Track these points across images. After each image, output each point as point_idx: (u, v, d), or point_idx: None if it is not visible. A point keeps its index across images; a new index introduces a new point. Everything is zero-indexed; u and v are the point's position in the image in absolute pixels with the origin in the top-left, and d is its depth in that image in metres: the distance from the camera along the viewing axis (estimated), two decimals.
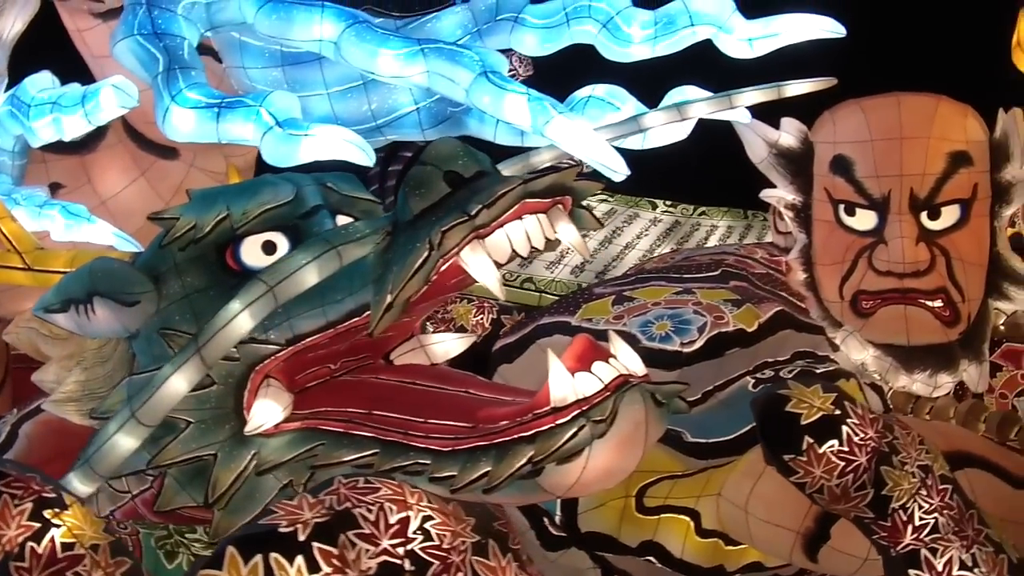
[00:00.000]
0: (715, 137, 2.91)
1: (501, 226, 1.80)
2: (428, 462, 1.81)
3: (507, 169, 2.43)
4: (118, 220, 2.91)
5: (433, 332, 2.22)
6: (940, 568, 1.99)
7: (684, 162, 3.39)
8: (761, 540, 2.37)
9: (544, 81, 2.88)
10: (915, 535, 2.00)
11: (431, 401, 2.03)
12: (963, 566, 1.99)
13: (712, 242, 3.50)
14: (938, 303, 2.70)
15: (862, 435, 1.99)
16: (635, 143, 2.54)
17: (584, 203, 1.96)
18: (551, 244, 1.94)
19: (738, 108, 2.46)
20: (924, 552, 1.99)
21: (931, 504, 2.01)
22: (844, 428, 1.98)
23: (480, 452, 1.82)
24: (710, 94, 2.47)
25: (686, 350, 2.42)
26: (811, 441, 1.96)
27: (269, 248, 1.98)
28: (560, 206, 1.89)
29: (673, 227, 3.54)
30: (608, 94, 2.58)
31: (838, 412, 1.98)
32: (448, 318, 3.23)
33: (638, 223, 3.49)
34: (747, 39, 2.50)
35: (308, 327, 1.87)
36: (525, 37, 2.54)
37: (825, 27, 2.52)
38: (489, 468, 1.77)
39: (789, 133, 2.79)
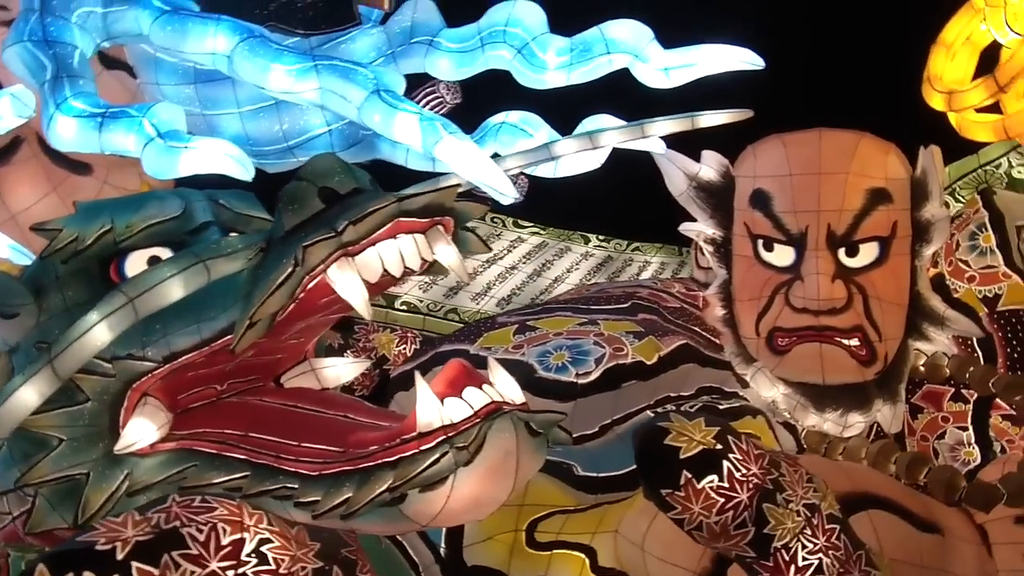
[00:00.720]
0: (651, 171, 2.89)
1: (373, 244, 1.76)
2: (296, 486, 1.75)
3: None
4: (28, 234, 2.85)
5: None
6: None
7: (619, 196, 3.35)
8: None
9: (466, 108, 2.84)
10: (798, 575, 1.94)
11: (308, 425, 1.97)
12: None
13: (645, 277, 3.46)
14: (854, 341, 2.64)
15: (744, 471, 1.93)
16: (565, 171, 2.50)
17: (471, 225, 1.92)
18: (434, 267, 1.90)
19: (651, 138, 2.41)
20: None
21: (816, 544, 1.94)
22: (725, 463, 1.92)
23: (344, 477, 1.76)
24: (623, 123, 2.43)
25: (581, 381, 2.36)
26: (689, 476, 1.90)
27: (155, 263, 1.95)
28: (440, 227, 1.85)
29: (605, 262, 3.49)
30: (522, 121, 2.54)
31: (719, 447, 1.92)
32: (370, 347, 3.16)
33: (569, 257, 3.44)
34: (663, 69, 2.46)
35: (184, 344, 1.82)
36: (439, 61, 2.50)
37: (744, 59, 2.47)
38: (351, 494, 1.72)
39: (709, 166, 2.74)
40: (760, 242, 2.68)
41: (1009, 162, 3.08)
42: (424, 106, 3.13)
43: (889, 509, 2.34)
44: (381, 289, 1.92)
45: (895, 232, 2.68)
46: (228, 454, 1.81)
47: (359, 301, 1.72)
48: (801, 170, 2.67)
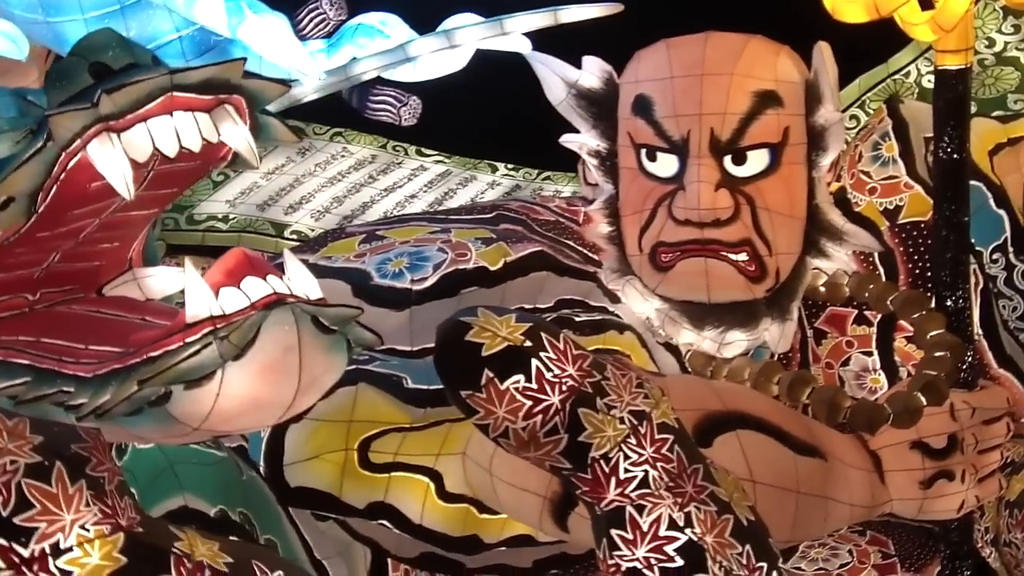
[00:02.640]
0: None
1: (142, 120, 1.60)
2: (71, 390, 1.60)
3: None
4: None
5: None
6: (645, 528, 1.73)
7: (533, 127, 3.20)
8: (509, 506, 2.12)
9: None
10: (619, 489, 1.74)
11: (101, 328, 1.81)
12: (673, 525, 1.73)
13: None
14: (742, 256, 2.44)
15: (557, 371, 1.74)
16: (424, 73, 2.34)
17: (272, 110, 1.75)
18: (237, 159, 1.74)
19: (513, 36, 2.25)
20: (629, 509, 1.74)
21: (641, 455, 1.76)
22: (534, 362, 1.73)
23: (111, 376, 1.61)
24: (481, 19, 2.26)
25: (416, 287, 2.18)
26: (491, 375, 1.70)
27: None
28: (230, 106, 1.69)
29: (513, 191, 3.33)
30: (380, 22, 2.38)
31: (528, 343, 1.73)
32: None
33: (474, 186, 3.25)
34: None
35: None
36: None
37: None
38: (108, 396, 1.58)
39: (591, 73, 2.55)
40: (643, 151, 2.49)
41: (918, 70, 2.89)
42: (308, 24, 2.98)
43: (763, 430, 2.16)
44: (186, 181, 1.77)
45: (787, 139, 2.47)
46: (12, 360, 1.66)
47: (119, 180, 1.55)
48: (683, 72, 2.48)
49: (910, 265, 2.57)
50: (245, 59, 1.84)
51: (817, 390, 2.31)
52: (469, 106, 3.17)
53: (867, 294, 2.51)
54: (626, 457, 1.71)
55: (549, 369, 1.70)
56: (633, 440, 1.71)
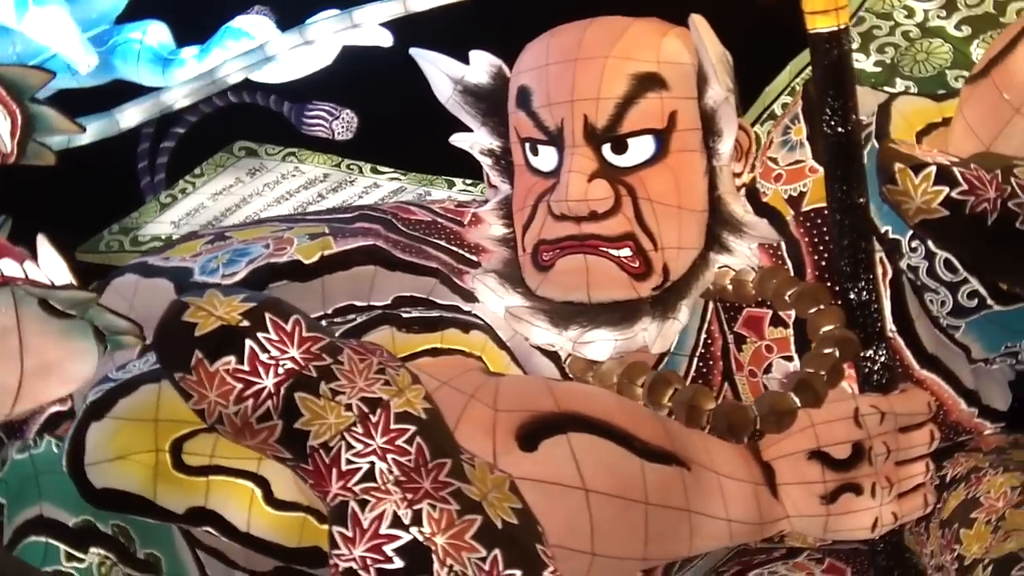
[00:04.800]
0: None
1: None
2: None
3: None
4: None
5: None
6: (366, 525, 1.57)
7: None
8: None
9: None
10: (342, 482, 1.60)
11: None
12: (397, 523, 1.57)
13: None
14: (624, 251, 2.24)
15: (275, 352, 1.61)
16: (288, 73, 2.29)
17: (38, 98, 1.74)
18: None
19: (367, 27, 2.16)
20: (352, 504, 1.59)
21: (368, 445, 1.60)
22: (248, 342, 1.61)
23: None
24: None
25: (225, 282, 2.09)
26: (201, 356, 1.60)
27: None
28: None
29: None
30: (251, 24, 2.34)
31: (245, 323, 1.61)
32: None
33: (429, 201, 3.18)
34: None
35: None
36: None
37: None
38: None
39: (479, 67, 2.43)
40: (527, 145, 2.34)
41: None
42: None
43: (603, 434, 1.96)
44: None
45: (674, 124, 2.26)
46: None
47: None
48: (559, 59, 2.31)
49: (815, 256, 2.31)
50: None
51: (679, 392, 2.09)
52: (426, 120, 3.12)
53: (767, 290, 2.28)
54: (349, 447, 1.57)
55: (265, 350, 1.58)
56: (360, 429, 1.57)
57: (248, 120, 3.13)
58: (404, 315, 2.06)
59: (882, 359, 2.18)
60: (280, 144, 3.21)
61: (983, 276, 2.09)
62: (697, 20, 2.24)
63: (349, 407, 1.58)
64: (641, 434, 1.99)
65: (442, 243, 2.36)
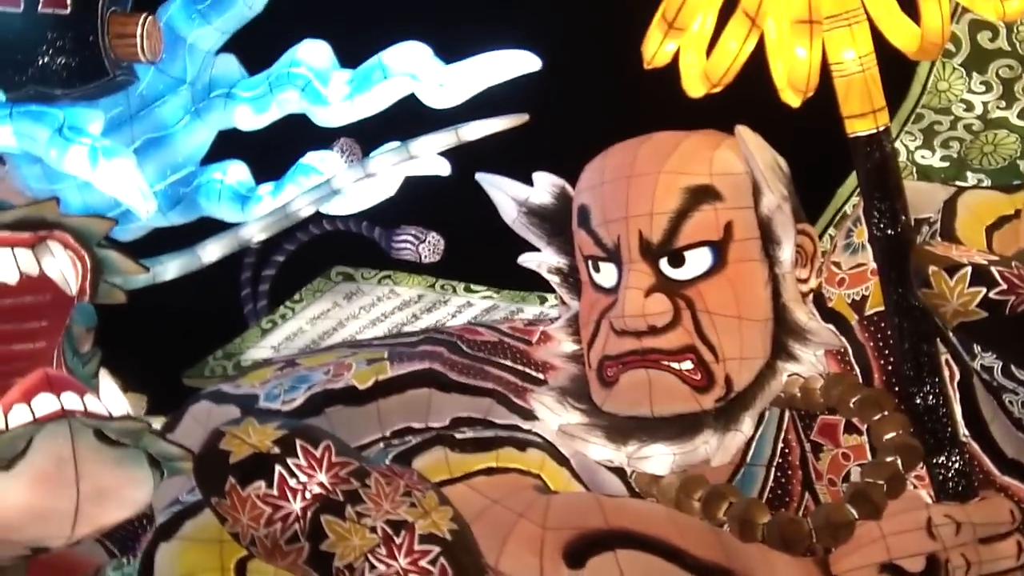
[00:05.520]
0: None
1: None
2: None
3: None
4: None
5: None
6: None
7: None
8: None
9: None
10: None
11: None
12: None
13: None
14: (686, 364, 2.22)
15: (304, 478, 1.67)
16: (355, 205, 2.39)
17: (107, 242, 1.88)
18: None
19: (425, 157, 2.25)
20: None
21: (391, 566, 1.63)
22: (278, 468, 1.68)
23: None
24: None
25: (285, 408, 2.17)
26: (234, 482, 1.68)
27: None
28: (55, 242, 1.83)
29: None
30: (320, 160, 2.47)
31: (276, 451, 1.68)
32: None
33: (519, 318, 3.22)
34: (440, 85, 2.30)
35: None
36: (238, 111, 2.51)
37: (519, 63, 2.26)
38: None
39: (542, 189, 2.48)
40: (590, 263, 2.37)
41: (906, 147, 2.55)
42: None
43: (653, 551, 1.94)
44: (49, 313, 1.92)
45: (731, 234, 2.26)
46: None
47: None
48: (613, 176, 2.35)
49: (882, 361, 2.24)
50: (58, 199, 1.99)
51: (733, 505, 2.04)
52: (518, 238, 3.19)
53: (833, 398, 2.22)
54: (372, 568, 1.60)
55: (293, 475, 1.65)
56: (383, 550, 1.61)
57: (345, 246, 3.27)
58: (458, 436, 2.10)
59: (956, 465, 2.10)
60: (376, 268, 3.34)
61: None
62: (742, 131, 2.25)
63: (374, 529, 1.62)
64: (693, 550, 1.96)
65: (507, 362, 2.39)
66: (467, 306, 3.25)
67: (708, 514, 2.09)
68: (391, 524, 1.63)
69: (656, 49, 1.91)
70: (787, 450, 2.41)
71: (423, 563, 1.62)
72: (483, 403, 2.25)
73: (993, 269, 1.83)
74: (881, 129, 2.02)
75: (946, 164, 2.64)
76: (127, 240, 2.78)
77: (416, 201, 3.12)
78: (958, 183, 2.59)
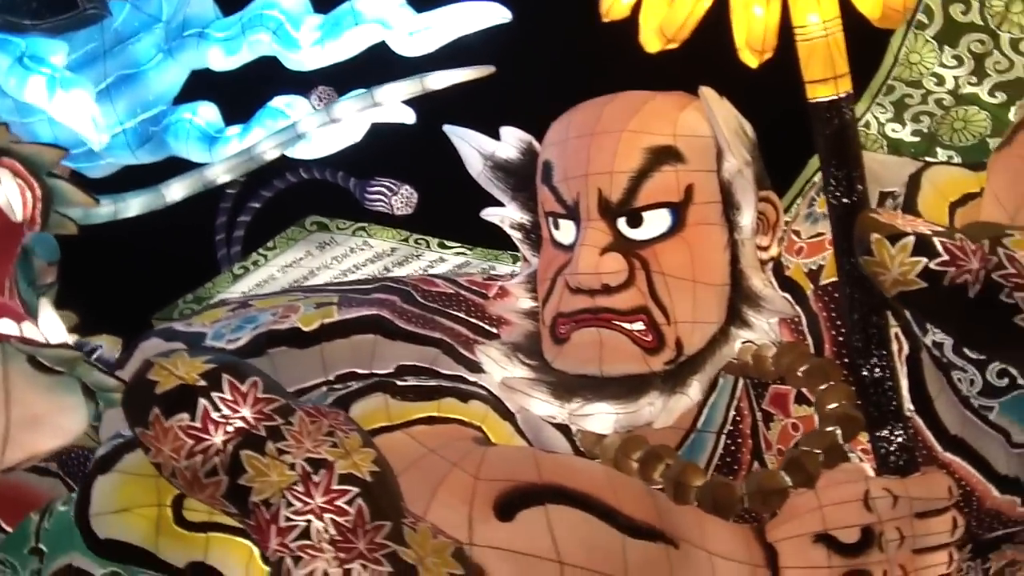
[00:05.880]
0: None
1: None
2: None
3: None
4: None
5: None
6: None
7: None
8: None
9: None
10: (280, 538, 1.63)
11: None
12: None
13: None
14: (637, 325, 2.21)
15: (227, 411, 1.67)
16: (320, 149, 2.38)
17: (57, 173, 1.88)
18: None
19: (385, 105, 2.24)
20: (287, 560, 1.61)
21: (307, 504, 1.63)
22: (202, 401, 1.68)
23: None
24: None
25: (229, 347, 2.16)
26: (158, 412, 1.68)
27: None
28: (3, 168, 1.84)
29: None
30: (286, 104, 2.46)
31: (203, 383, 1.68)
32: None
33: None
34: (409, 33, 2.29)
35: None
36: (210, 51, 2.50)
37: (489, 15, 2.24)
38: None
39: (509, 143, 2.46)
40: (550, 219, 2.36)
41: (877, 120, 2.51)
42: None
43: (585, 507, 1.93)
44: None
45: (691, 197, 2.23)
46: None
47: None
48: (577, 134, 2.32)
49: (834, 332, 2.23)
50: (7, 125, 1.99)
51: (669, 467, 2.04)
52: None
53: (782, 366, 2.21)
54: (289, 505, 1.60)
55: (217, 409, 1.65)
56: (301, 488, 1.61)
57: (324, 196, 3.26)
58: (399, 383, 2.10)
59: (899, 439, 2.08)
60: (352, 219, 3.33)
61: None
62: (706, 92, 2.22)
63: (293, 466, 1.62)
64: (626, 509, 1.95)
65: (460, 314, 2.38)
66: (439, 261, 3.24)
67: (644, 475, 2.09)
68: (311, 462, 1.63)
69: (611, 1, 1.89)
70: (739, 418, 2.41)
71: (340, 503, 1.62)
72: (429, 352, 2.24)
73: (936, 240, 1.80)
74: (842, 96, 1.98)
75: (917, 139, 2.60)
76: (97, 176, 2.81)
77: (395, 153, 3.11)
78: (928, 159, 2.57)
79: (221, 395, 1.66)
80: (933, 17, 2.54)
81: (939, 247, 1.80)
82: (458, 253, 3.25)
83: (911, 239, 1.81)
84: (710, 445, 2.38)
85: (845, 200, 2.04)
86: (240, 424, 1.64)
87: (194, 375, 1.67)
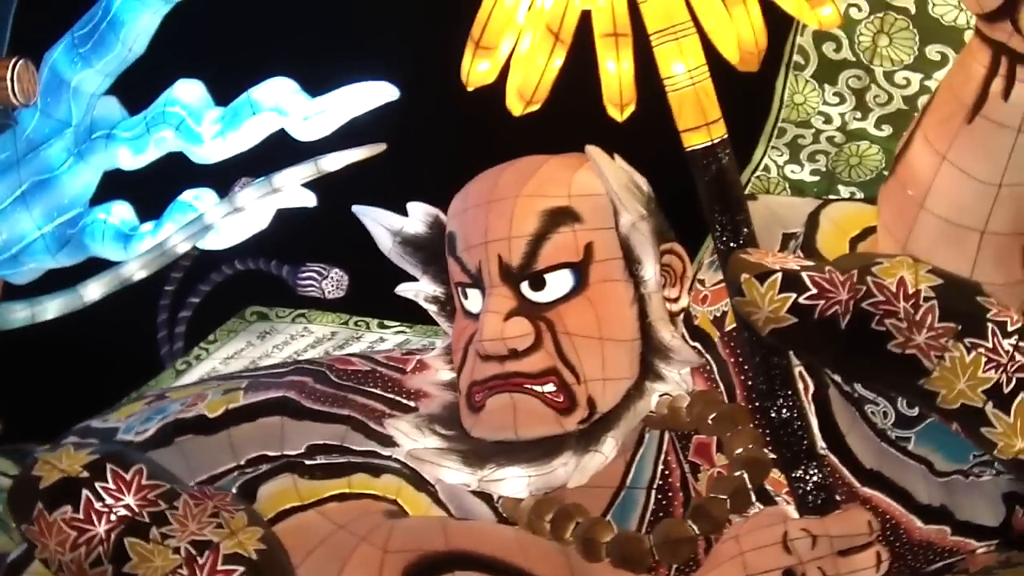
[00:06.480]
0: None
1: None
2: None
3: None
4: None
5: None
6: None
7: None
8: None
9: None
10: None
11: None
12: None
13: None
14: (548, 387, 2.20)
15: (110, 501, 1.68)
16: (229, 239, 2.41)
17: None
18: None
19: (284, 190, 2.27)
20: None
21: None
22: (85, 492, 1.69)
23: None
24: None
25: (137, 439, 2.17)
26: (41, 507, 1.69)
27: None
28: None
29: None
30: (195, 197, 2.50)
31: (85, 475, 1.69)
32: None
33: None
34: (304, 119, 2.33)
35: None
36: (119, 152, 2.54)
37: (379, 94, 2.29)
38: None
39: (416, 218, 2.50)
40: (459, 289, 2.38)
41: (775, 163, 2.54)
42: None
43: (491, 571, 1.92)
44: None
45: (591, 255, 2.26)
46: None
47: None
48: (475, 203, 2.36)
49: (742, 376, 2.22)
50: None
51: (579, 526, 2.02)
52: None
53: (694, 415, 2.20)
54: None
55: (100, 498, 1.66)
56: (185, 571, 1.60)
57: (264, 286, 3.29)
58: (308, 463, 2.10)
59: (814, 479, 2.07)
60: (292, 306, 3.35)
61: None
62: (593, 151, 2.24)
63: (178, 550, 1.62)
64: (537, 571, 1.94)
65: (376, 391, 2.39)
66: (379, 342, 3.26)
67: (556, 535, 2.07)
68: (195, 544, 1.63)
69: (468, 69, 1.93)
70: (667, 472, 2.39)
71: None
72: (338, 430, 2.24)
73: (804, 274, 1.82)
74: (716, 141, 2.02)
75: (816, 178, 2.62)
76: (23, 283, 2.84)
77: (324, 237, 3.14)
78: (831, 196, 2.59)
79: (104, 484, 1.66)
80: (809, 57, 2.59)
81: (807, 281, 1.81)
82: (398, 332, 3.27)
83: (779, 276, 1.83)
84: (642, 501, 2.37)
85: (732, 244, 2.05)
86: (123, 512, 1.64)
87: (76, 467, 1.68)
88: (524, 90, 1.91)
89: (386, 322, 3.29)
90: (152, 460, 1.76)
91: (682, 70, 2.01)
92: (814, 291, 1.82)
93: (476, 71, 1.92)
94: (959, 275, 1.85)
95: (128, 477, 1.68)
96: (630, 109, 1.94)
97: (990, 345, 1.78)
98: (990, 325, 1.78)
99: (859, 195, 2.57)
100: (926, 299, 1.77)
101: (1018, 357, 1.77)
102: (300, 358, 3.28)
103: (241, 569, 1.63)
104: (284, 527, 2.03)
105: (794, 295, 1.82)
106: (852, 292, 1.80)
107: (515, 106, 1.97)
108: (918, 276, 1.79)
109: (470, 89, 1.96)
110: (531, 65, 1.88)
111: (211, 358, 3.24)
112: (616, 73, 1.90)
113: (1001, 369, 1.77)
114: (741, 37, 1.91)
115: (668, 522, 2.00)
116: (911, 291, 1.78)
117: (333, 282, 3.14)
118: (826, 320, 1.79)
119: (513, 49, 1.98)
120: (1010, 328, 1.78)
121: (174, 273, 3.24)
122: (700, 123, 2.02)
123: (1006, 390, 1.78)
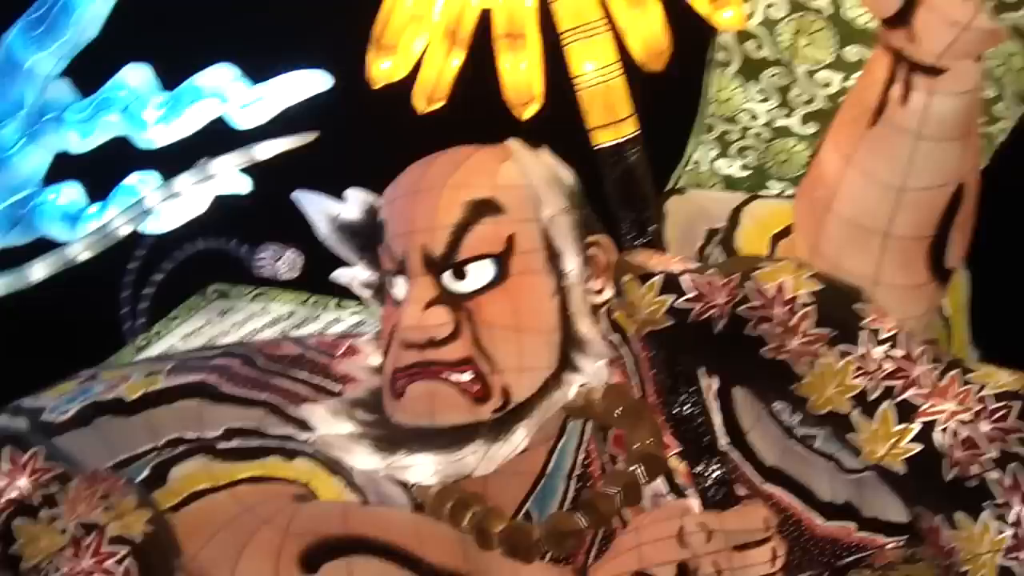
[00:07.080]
0: None
1: None
2: None
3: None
4: None
5: None
6: None
7: None
8: None
9: None
10: None
11: None
12: None
13: None
14: (465, 376, 2.25)
15: (3, 483, 1.76)
16: (170, 223, 2.47)
17: None
18: None
19: (219, 176, 2.32)
20: None
21: (75, 567, 1.69)
22: None
23: None
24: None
25: (58, 419, 2.20)
26: None
27: None
28: None
29: None
30: (140, 180, 2.55)
31: None
32: None
33: None
34: (241, 106, 2.37)
35: None
36: (69, 135, 2.59)
37: (314, 82, 2.32)
38: None
39: (352, 205, 2.54)
40: (387, 277, 2.42)
41: (707, 159, 2.55)
42: None
43: (388, 558, 1.97)
44: None
45: (512, 247, 2.28)
46: None
47: None
48: (404, 192, 2.39)
49: (652, 372, 2.26)
50: None
51: (474, 515, 2.07)
52: None
53: (602, 408, 2.24)
54: (57, 569, 1.67)
55: None
56: (70, 551, 1.67)
57: (228, 264, 3.35)
58: (222, 445, 2.16)
59: (715, 474, 2.11)
60: (254, 285, 3.41)
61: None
62: (513, 144, 2.28)
63: (64, 531, 1.69)
64: (430, 557, 1.99)
65: (302, 375, 2.44)
66: (335, 322, 3.31)
67: (454, 523, 2.12)
68: (83, 526, 1.70)
69: (371, 67, 1.97)
70: (588, 461, 2.43)
71: (108, 564, 1.68)
72: (254, 414, 2.29)
73: (684, 278, 1.84)
74: (624, 139, 2.05)
75: (747, 173, 2.63)
76: None
77: (291, 219, 3.18)
78: (761, 193, 2.60)
79: None
80: (732, 55, 2.60)
81: (686, 284, 1.84)
82: (354, 313, 3.32)
83: (660, 278, 1.85)
84: (561, 489, 2.41)
85: (637, 242, 2.09)
86: (14, 494, 1.71)
87: None
88: (424, 87, 1.95)
89: (343, 302, 3.34)
90: (53, 444, 1.82)
91: (592, 68, 2.04)
92: (692, 294, 1.85)
93: (379, 69, 1.95)
94: (843, 281, 1.87)
95: (23, 460, 1.75)
96: (533, 107, 1.97)
97: (861, 352, 1.81)
98: (863, 332, 1.81)
99: (790, 191, 2.58)
100: (803, 304, 1.79)
101: (886, 365, 1.79)
102: (258, 336, 3.34)
103: (125, 550, 1.70)
104: (193, 509, 2.10)
105: (673, 297, 1.85)
106: (730, 296, 1.83)
107: (420, 103, 2.01)
108: (799, 281, 1.81)
109: (375, 87, 1.99)
110: (429, 64, 1.92)
111: (171, 335, 3.30)
112: (515, 72, 1.93)
113: (869, 376, 1.80)
114: (647, 36, 1.93)
115: (556, 514, 2.04)
116: (788, 296, 1.81)
117: (287, 262, 3.19)
118: (701, 324, 1.82)
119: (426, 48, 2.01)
120: (882, 336, 1.80)
121: (138, 251, 3.31)
122: (609, 121, 2.06)
123: (871, 397, 1.81)
